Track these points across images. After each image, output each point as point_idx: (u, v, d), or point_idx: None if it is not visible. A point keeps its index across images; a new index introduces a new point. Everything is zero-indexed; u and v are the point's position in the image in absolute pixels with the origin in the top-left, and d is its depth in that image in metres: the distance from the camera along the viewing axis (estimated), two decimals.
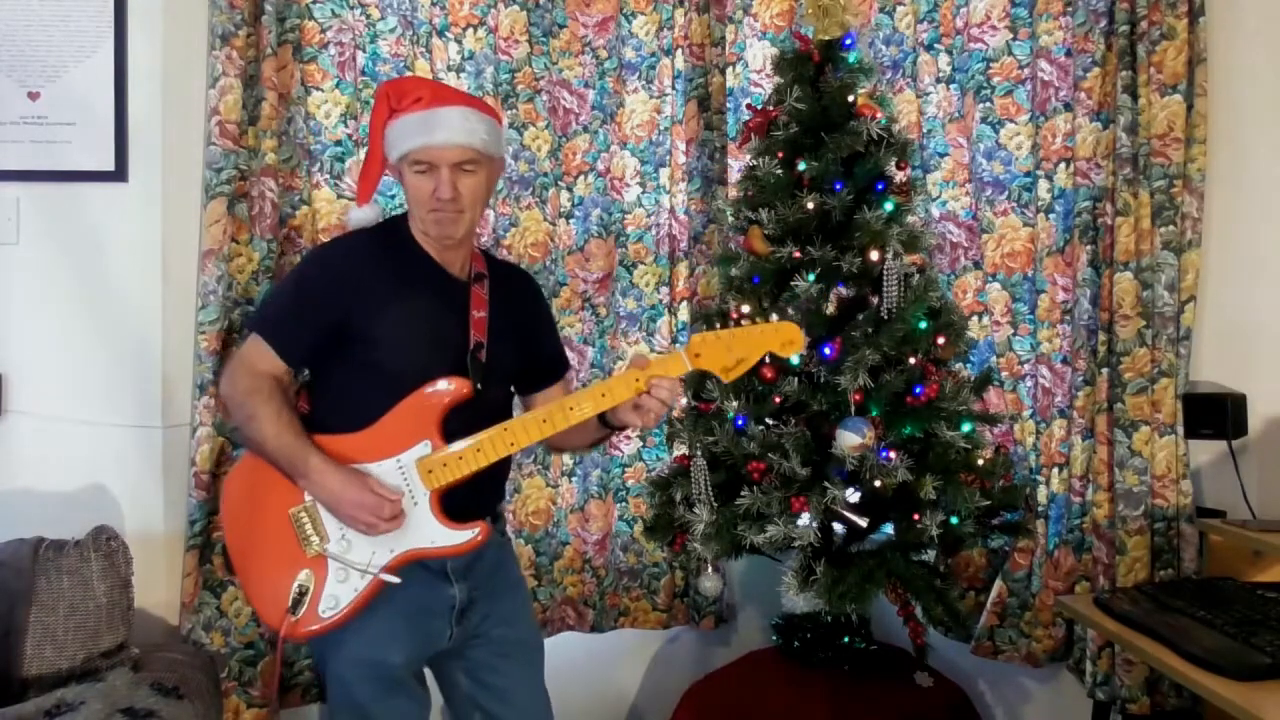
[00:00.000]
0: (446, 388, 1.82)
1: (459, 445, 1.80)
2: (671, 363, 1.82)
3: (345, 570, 1.81)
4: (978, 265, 2.74)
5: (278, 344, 1.84)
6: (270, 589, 1.81)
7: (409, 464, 1.81)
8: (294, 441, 1.79)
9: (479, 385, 1.83)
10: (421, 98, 1.83)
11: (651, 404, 1.80)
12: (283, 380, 1.86)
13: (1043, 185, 2.62)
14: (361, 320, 1.82)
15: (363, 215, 1.93)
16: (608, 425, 1.89)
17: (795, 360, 2.29)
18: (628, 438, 2.90)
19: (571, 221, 2.87)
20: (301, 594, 1.79)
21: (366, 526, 1.78)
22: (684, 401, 2.59)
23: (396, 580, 1.80)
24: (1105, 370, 2.50)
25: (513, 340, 1.95)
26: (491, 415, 1.85)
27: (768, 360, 2.00)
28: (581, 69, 2.86)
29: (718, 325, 2.43)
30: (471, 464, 1.81)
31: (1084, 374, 2.54)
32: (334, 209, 2.65)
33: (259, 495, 1.85)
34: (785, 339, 1.84)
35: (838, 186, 2.33)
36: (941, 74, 2.77)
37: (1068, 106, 2.57)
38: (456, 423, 1.82)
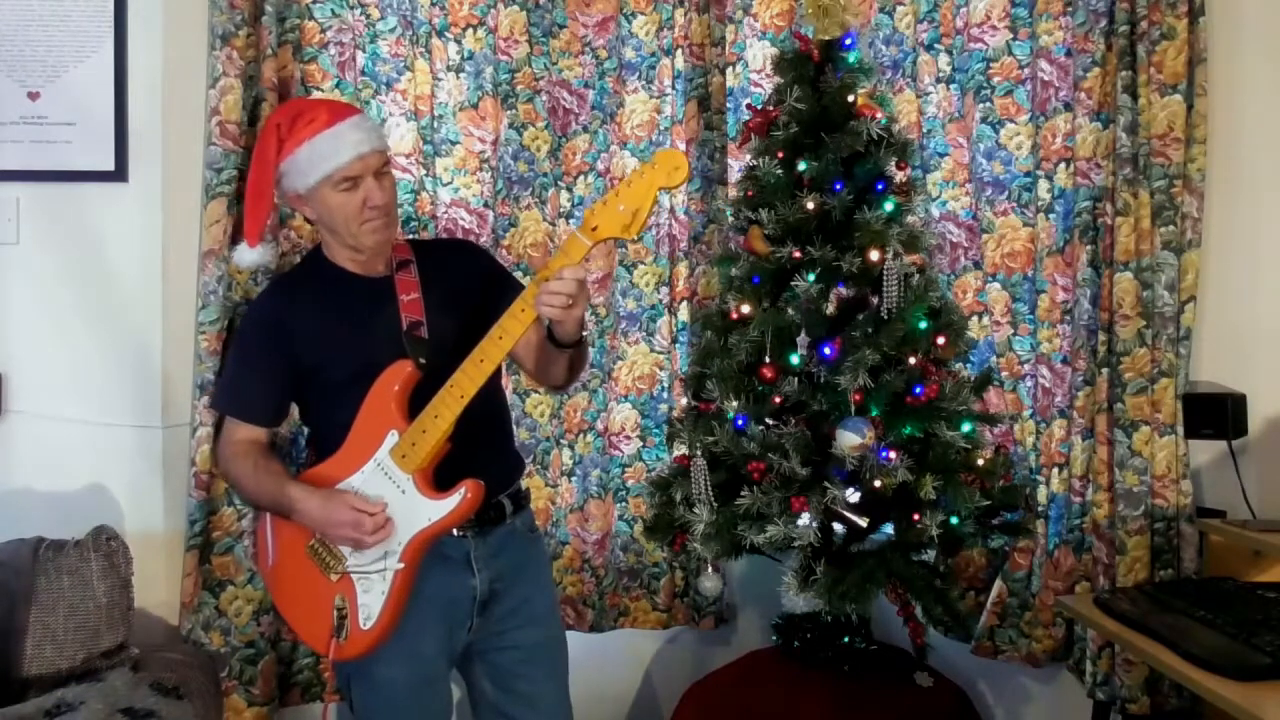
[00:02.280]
0: (390, 374, 1.84)
1: (417, 421, 1.81)
2: (572, 248, 1.77)
3: (368, 579, 1.83)
4: (978, 265, 2.74)
5: (240, 412, 1.96)
6: (317, 625, 1.87)
7: (384, 458, 1.83)
8: (272, 485, 1.87)
9: (422, 360, 1.84)
10: (317, 118, 1.83)
11: (557, 299, 1.72)
12: (263, 440, 1.96)
13: (1043, 185, 2.61)
14: (306, 357, 1.89)
15: (255, 256, 1.95)
16: (560, 343, 1.86)
17: (795, 360, 2.29)
18: (627, 438, 2.90)
19: (571, 221, 2.87)
20: (341, 617, 1.83)
21: (355, 543, 1.81)
22: (684, 401, 2.58)
23: (401, 565, 1.82)
24: (1105, 370, 2.50)
25: (456, 307, 1.94)
26: None
27: (658, 199, 1.83)
28: (581, 69, 2.86)
29: (717, 324, 2.44)
30: (435, 431, 1.80)
31: (1084, 374, 2.54)
32: None
33: (282, 545, 1.93)
34: (670, 167, 1.73)
35: (838, 186, 2.33)
36: (941, 74, 2.76)
37: (1068, 106, 2.57)
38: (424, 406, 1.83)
